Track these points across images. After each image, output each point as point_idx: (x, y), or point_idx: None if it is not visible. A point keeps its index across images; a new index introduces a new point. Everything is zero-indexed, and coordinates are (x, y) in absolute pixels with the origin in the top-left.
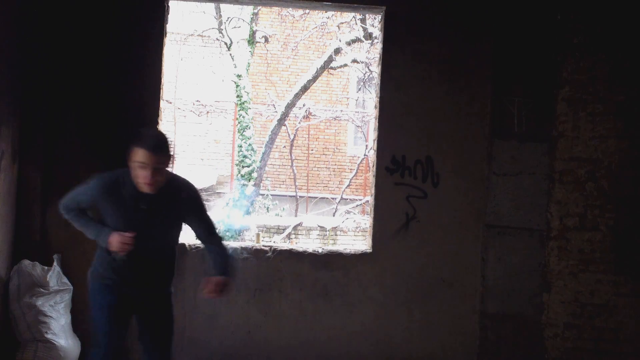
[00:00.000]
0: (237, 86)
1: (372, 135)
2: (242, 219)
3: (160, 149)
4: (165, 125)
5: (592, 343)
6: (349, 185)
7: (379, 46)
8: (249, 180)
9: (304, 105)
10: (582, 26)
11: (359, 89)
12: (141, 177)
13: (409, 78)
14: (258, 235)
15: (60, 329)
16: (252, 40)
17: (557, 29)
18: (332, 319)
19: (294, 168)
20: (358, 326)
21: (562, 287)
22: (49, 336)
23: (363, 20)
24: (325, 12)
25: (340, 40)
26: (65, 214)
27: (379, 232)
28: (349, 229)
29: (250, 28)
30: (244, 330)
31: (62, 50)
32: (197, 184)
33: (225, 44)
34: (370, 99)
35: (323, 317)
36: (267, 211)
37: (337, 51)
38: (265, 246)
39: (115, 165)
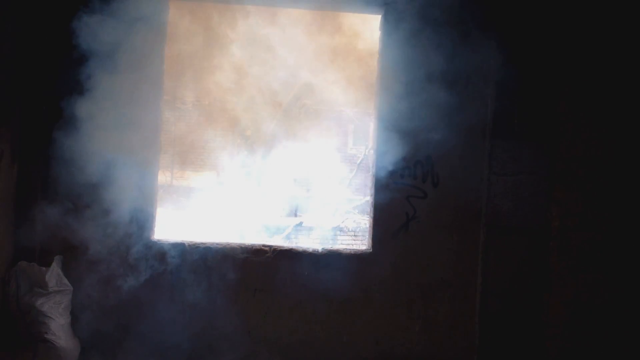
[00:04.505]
0: None
1: (372, 135)
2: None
3: None
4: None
5: (592, 343)
6: (349, 185)
7: (379, 46)
8: None
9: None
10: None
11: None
12: None
13: (408, 78)
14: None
15: (60, 330)
16: None
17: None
18: (331, 319)
19: None
20: (358, 326)
21: (562, 287)
22: (48, 336)
23: None
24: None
25: None
26: None
27: (379, 232)
28: (349, 229)
29: None
30: (244, 330)
31: (62, 49)
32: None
33: None
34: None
35: (323, 317)
36: None
37: None
38: (265, 246)
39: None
